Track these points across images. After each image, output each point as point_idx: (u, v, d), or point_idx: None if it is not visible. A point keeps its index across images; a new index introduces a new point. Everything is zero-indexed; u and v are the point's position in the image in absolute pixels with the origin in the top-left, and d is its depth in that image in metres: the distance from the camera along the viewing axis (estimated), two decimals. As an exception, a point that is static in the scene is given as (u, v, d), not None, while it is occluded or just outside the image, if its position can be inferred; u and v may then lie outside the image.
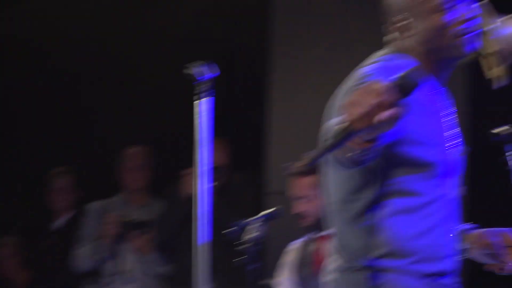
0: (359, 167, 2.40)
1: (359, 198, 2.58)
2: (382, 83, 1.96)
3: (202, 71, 3.07)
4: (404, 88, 1.99)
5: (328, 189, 2.67)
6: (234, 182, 5.67)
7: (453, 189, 2.70)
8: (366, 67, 2.61)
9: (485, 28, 2.00)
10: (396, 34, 2.73)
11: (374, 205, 2.56)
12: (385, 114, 1.95)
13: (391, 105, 1.96)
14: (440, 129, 2.66)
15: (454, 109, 2.76)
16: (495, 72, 2.02)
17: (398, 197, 2.57)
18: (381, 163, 2.51)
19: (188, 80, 3.05)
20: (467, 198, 2.76)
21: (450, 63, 2.68)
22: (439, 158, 2.61)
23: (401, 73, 2.02)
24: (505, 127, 3.66)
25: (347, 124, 2.00)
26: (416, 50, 2.69)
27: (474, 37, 2.59)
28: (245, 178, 5.95)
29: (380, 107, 1.96)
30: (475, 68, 2.17)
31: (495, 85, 2.01)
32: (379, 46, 2.79)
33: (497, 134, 3.73)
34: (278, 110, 5.82)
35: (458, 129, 2.74)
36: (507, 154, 3.72)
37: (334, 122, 2.26)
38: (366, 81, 2.41)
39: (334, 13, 5.79)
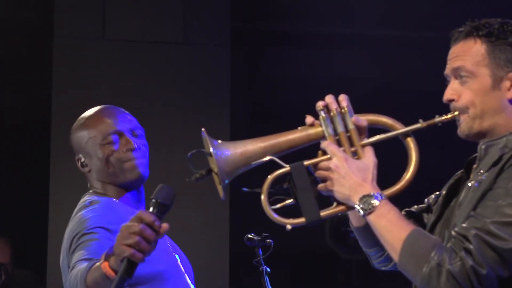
0: None
1: None
2: (143, 213, 2.25)
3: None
4: (163, 208, 2.28)
5: None
6: (16, 280, 5.76)
7: (187, 287, 3.03)
8: (79, 215, 2.97)
9: (207, 150, 2.35)
10: (84, 172, 3.13)
11: None
12: (150, 234, 2.24)
13: (152, 226, 2.25)
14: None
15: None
16: (219, 189, 2.38)
17: None
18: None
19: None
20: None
21: (130, 186, 3.09)
22: (164, 266, 2.96)
23: (157, 192, 2.29)
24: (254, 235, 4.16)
25: (127, 259, 2.25)
26: (102, 185, 3.09)
27: (139, 163, 3.05)
28: (28, 276, 6.06)
29: (146, 229, 2.24)
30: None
31: (223, 197, 2.37)
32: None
33: (251, 239, 4.22)
34: (61, 209, 5.98)
35: (167, 238, 3.10)
36: (259, 256, 4.20)
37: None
38: (85, 226, 2.82)
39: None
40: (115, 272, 2.33)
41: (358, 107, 2.46)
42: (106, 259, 2.39)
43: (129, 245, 2.23)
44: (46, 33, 6.16)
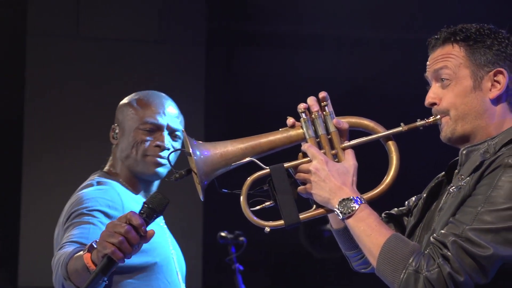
0: None
1: None
2: (132, 214, 2.27)
3: None
4: (153, 214, 2.30)
5: None
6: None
7: (176, 284, 3.04)
8: (83, 192, 2.94)
9: (187, 150, 2.32)
10: (112, 143, 3.13)
11: None
12: (135, 236, 2.26)
13: (139, 229, 2.27)
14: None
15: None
16: (198, 189, 2.36)
17: None
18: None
19: None
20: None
21: (142, 179, 3.10)
22: (158, 259, 2.96)
23: (151, 198, 2.33)
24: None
25: (107, 256, 2.27)
26: (120, 164, 3.09)
27: (161, 162, 3.05)
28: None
29: (130, 232, 2.26)
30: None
31: (202, 198, 2.36)
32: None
33: (224, 237, 4.22)
34: (33, 209, 5.94)
35: (168, 234, 3.11)
36: (232, 254, 4.20)
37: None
38: (86, 205, 2.80)
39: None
40: (96, 265, 2.35)
41: (339, 108, 2.44)
42: (89, 250, 2.41)
43: (112, 243, 2.25)
44: (19, 30, 6.11)
